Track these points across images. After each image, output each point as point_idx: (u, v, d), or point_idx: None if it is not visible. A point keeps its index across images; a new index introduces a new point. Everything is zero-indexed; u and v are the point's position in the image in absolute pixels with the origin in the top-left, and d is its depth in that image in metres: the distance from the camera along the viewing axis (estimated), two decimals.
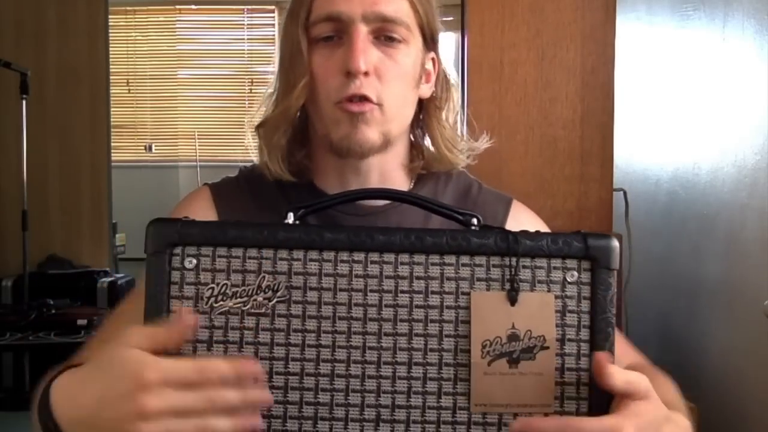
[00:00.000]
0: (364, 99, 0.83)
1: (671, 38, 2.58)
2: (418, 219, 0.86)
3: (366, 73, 0.82)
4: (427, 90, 0.92)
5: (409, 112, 0.90)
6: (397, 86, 0.85)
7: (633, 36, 2.78)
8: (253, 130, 0.91)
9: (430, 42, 0.90)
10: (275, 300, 0.66)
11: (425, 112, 0.93)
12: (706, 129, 2.33)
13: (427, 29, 0.88)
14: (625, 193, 2.46)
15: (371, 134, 0.84)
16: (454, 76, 0.96)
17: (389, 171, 0.90)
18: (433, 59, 0.92)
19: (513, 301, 0.65)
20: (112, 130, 4.17)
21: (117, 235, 4.19)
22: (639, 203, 2.62)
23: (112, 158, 4.16)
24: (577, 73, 2.22)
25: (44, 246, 3.89)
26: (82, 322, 3.26)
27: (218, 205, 0.92)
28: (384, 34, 0.84)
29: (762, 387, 2.00)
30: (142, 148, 5.30)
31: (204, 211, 0.90)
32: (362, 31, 0.82)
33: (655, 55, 2.71)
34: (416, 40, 0.87)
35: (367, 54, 0.82)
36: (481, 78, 2.22)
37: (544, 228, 0.94)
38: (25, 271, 3.49)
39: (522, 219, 0.94)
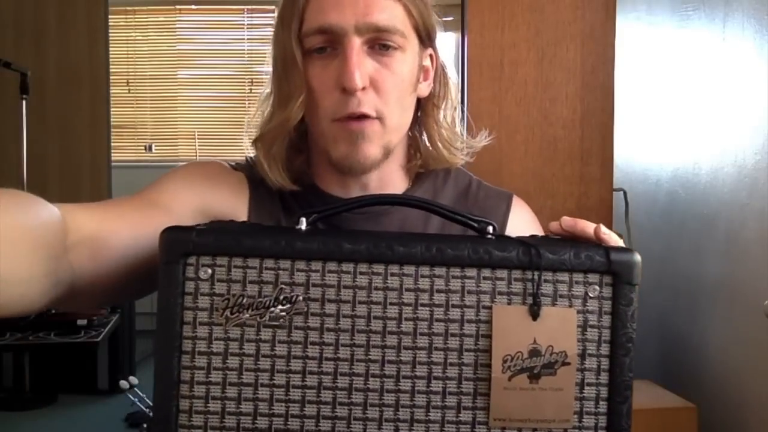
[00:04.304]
0: (363, 116, 0.82)
1: (671, 38, 2.58)
2: (420, 217, 0.87)
3: (363, 88, 0.81)
4: (425, 88, 0.91)
5: (408, 117, 0.89)
6: (396, 96, 0.84)
7: (633, 36, 2.79)
8: (251, 144, 0.90)
9: (426, 40, 0.88)
10: (292, 312, 0.64)
11: (423, 111, 0.92)
12: (706, 129, 2.33)
13: (422, 29, 0.86)
14: (625, 193, 2.46)
15: (372, 150, 0.83)
16: (453, 75, 0.95)
17: (388, 173, 0.90)
18: (431, 55, 0.90)
19: (535, 315, 0.64)
20: (112, 130, 4.16)
21: None
22: (639, 203, 2.62)
23: (112, 158, 4.15)
24: (577, 73, 2.22)
25: None
26: (82, 322, 3.25)
27: (253, 196, 0.90)
28: (379, 43, 0.82)
29: (762, 387, 2.00)
30: (142, 148, 5.29)
31: (238, 195, 0.90)
32: (356, 44, 0.80)
33: (655, 55, 2.71)
34: (412, 44, 0.85)
35: (362, 68, 0.80)
36: (481, 78, 2.22)
37: (538, 228, 0.94)
38: None
39: (522, 215, 0.95)
